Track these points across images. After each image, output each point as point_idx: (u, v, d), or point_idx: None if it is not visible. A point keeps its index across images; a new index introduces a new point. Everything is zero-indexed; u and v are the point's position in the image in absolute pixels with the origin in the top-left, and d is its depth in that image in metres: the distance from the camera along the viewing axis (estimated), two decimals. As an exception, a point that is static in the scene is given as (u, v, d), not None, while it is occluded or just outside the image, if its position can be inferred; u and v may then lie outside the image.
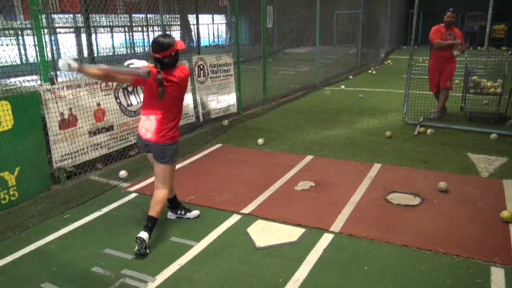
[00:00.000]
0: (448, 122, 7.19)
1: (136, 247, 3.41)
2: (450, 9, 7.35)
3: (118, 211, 4.24)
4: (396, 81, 11.83)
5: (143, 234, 3.39)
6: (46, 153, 4.62)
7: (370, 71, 14.67)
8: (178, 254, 3.41)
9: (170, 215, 4.05)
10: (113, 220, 4.04)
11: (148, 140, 3.50)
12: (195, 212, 4.04)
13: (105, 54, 12.74)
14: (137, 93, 5.75)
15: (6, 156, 4.21)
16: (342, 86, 11.43)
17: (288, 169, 5.20)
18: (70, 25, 14.23)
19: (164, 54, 3.35)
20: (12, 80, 10.41)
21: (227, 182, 4.85)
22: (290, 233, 3.69)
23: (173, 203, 3.99)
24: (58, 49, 12.17)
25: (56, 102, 4.67)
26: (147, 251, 3.40)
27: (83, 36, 13.62)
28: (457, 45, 7.14)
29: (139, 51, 14.55)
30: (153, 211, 3.52)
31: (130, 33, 16.06)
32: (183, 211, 4.03)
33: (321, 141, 6.41)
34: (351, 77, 13.28)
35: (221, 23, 25.13)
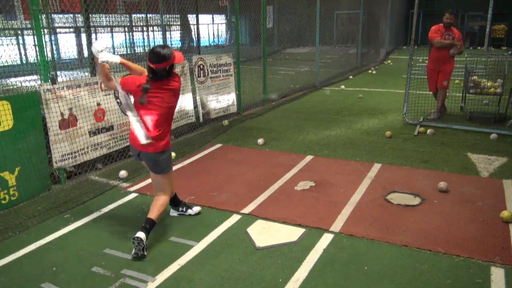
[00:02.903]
0: (448, 122, 7.19)
1: (133, 250, 3.35)
2: (450, 10, 7.31)
3: (118, 211, 4.24)
4: (396, 81, 11.83)
5: (141, 234, 3.34)
6: (46, 153, 4.62)
7: (370, 71, 14.66)
8: (178, 254, 3.41)
9: (172, 212, 4.08)
10: (113, 220, 4.04)
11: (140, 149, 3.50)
12: (196, 209, 4.08)
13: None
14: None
15: (6, 156, 4.21)
16: (342, 86, 11.42)
17: (288, 169, 5.20)
18: (70, 25, 14.23)
19: (158, 66, 3.30)
20: (12, 80, 10.41)
21: (227, 182, 4.85)
22: (290, 233, 3.69)
23: (174, 201, 4.01)
24: (58, 49, 12.18)
25: (56, 102, 4.67)
26: (145, 253, 3.37)
27: (83, 36, 13.63)
28: (456, 45, 7.16)
29: (139, 51, 14.54)
30: (153, 214, 3.52)
31: (130, 33, 16.06)
32: (184, 208, 4.06)
33: (321, 141, 6.41)
34: (351, 77, 13.27)
35: (221, 23, 25.13)
